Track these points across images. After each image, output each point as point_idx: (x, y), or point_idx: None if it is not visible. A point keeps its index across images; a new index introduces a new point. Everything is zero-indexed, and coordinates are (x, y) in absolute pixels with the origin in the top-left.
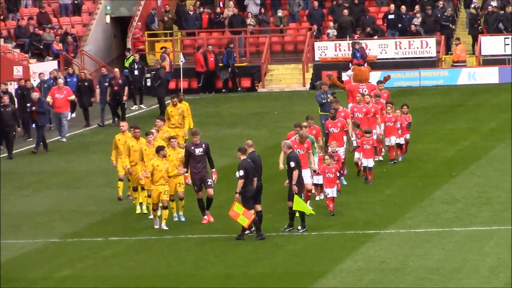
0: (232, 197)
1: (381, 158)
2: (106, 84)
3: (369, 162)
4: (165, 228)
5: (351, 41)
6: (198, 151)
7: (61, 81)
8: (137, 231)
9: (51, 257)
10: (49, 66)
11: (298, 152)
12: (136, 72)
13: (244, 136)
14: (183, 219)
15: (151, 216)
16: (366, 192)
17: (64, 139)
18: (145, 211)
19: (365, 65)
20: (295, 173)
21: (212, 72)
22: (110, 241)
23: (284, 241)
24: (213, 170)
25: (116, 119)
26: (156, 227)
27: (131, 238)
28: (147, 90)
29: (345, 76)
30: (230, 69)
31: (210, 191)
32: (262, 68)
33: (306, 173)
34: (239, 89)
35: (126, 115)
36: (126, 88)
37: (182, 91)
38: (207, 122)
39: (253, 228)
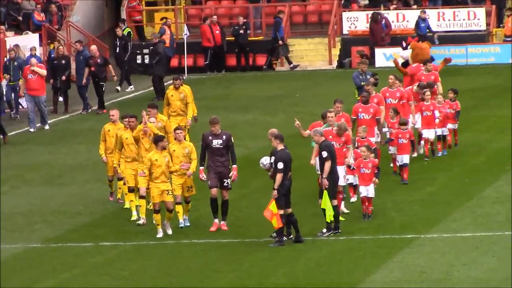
0: (245, 194)
1: (415, 154)
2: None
3: (404, 159)
4: (169, 231)
5: (378, 11)
6: (217, 142)
7: (34, 60)
8: (132, 235)
9: (31, 265)
10: (29, 40)
11: (333, 145)
12: (118, 50)
13: (258, 123)
14: (187, 223)
15: (141, 221)
16: (402, 189)
17: (47, 126)
18: (134, 217)
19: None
20: (327, 165)
21: (221, 47)
22: (100, 247)
23: (306, 247)
24: (234, 166)
25: (94, 106)
26: (160, 235)
27: (126, 243)
28: (144, 68)
29: (401, 54)
30: (280, 42)
31: (225, 193)
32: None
33: (340, 172)
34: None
35: (117, 99)
36: (110, 68)
37: (186, 70)
38: (215, 106)
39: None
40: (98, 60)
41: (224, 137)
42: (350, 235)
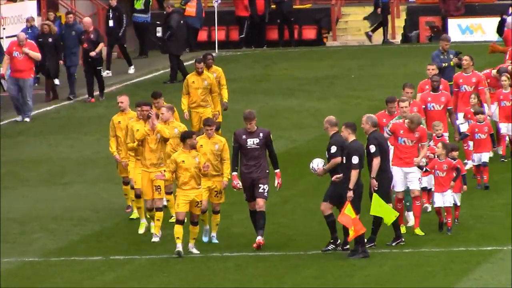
0: (289, 197)
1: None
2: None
3: (483, 157)
4: (195, 251)
5: None
6: (252, 142)
7: (22, 35)
8: (149, 247)
9: (28, 283)
10: (24, 8)
11: (404, 142)
12: (110, 23)
13: (305, 110)
14: (215, 241)
15: (155, 239)
16: (481, 193)
17: (27, 118)
18: (143, 227)
19: None
20: (376, 162)
21: (261, 18)
22: (112, 261)
23: (362, 262)
24: (276, 171)
25: (94, 94)
26: (179, 249)
27: (142, 257)
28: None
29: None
30: (379, 9)
31: (260, 202)
32: (333, 12)
33: (413, 175)
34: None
35: (128, 82)
36: (101, 45)
37: (217, 45)
38: (252, 89)
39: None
40: (92, 36)
41: (261, 135)
42: (417, 247)
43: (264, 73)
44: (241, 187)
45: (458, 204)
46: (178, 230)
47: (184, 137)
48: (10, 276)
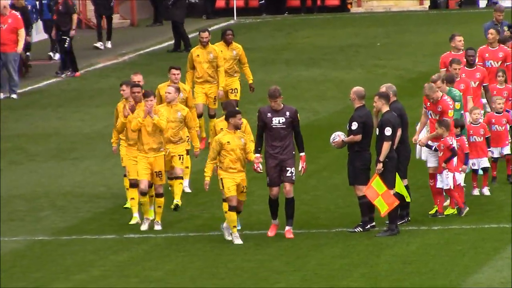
0: (312, 172)
1: None
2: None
3: (505, 150)
4: (238, 241)
5: None
6: (278, 121)
7: (5, 2)
8: (166, 225)
9: (38, 263)
10: None
11: (430, 115)
12: None
13: (328, 80)
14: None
15: (143, 226)
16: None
17: (14, 95)
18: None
19: None
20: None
21: None
22: (125, 240)
23: (389, 240)
24: (302, 154)
25: (67, 70)
26: (237, 241)
27: (157, 235)
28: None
29: None
30: None
31: (289, 187)
32: None
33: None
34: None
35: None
36: (75, 17)
37: (235, 12)
38: (273, 59)
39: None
40: (60, 7)
41: (287, 113)
42: (446, 224)
43: (285, 42)
44: (261, 170)
45: (462, 184)
46: (233, 217)
47: (229, 116)
48: (18, 256)
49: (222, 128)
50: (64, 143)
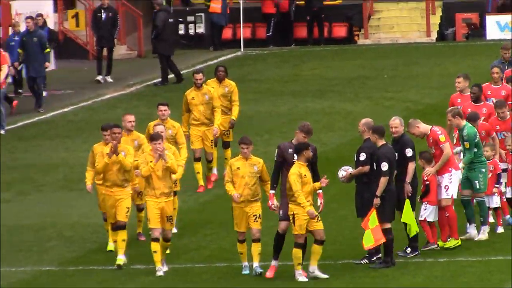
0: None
1: None
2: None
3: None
4: (259, 270)
5: None
6: None
7: None
8: (172, 256)
9: None
10: (40, 5)
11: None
12: (103, 24)
13: (335, 112)
14: (259, 270)
15: (160, 272)
16: None
17: (2, 131)
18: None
19: None
20: (412, 167)
21: (288, 15)
22: (132, 271)
23: (395, 271)
24: (319, 192)
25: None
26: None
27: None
28: (188, 41)
29: None
30: None
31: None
32: (365, 9)
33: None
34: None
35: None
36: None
37: (242, 43)
38: (280, 90)
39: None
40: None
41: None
42: (452, 256)
43: (293, 73)
44: (276, 208)
45: (430, 220)
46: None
47: (300, 149)
48: (25, 286)
49: (238, 167)
50: (71, 174)
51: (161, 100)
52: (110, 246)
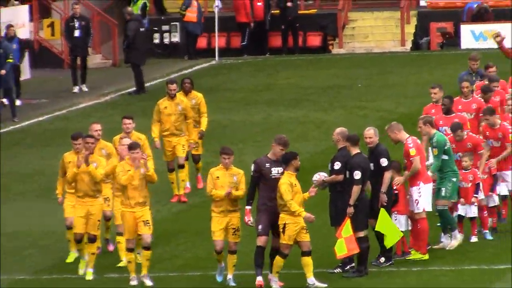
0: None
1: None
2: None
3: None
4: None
5: None
6: (277, 171)
7: None
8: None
9: None
10: (15, 14)
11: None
12: (77, 33)
13: (309, 121)
14: (232, 284)
15: (139, 281)
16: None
17: None
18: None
19: None
20: (387, 176)
21: (262, 24)
22: (106, 279)
23: (368, 280)
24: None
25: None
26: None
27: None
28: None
29: None
30: None
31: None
32: (339, 18)
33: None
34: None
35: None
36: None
37: (217, 52)
38: (255, 99)
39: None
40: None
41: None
42: (426, 265)
43: (267, 82)
44: (253, 224)
45: (401, 230)
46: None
47: (289, 159)
48: None
49: (218, 177)
50: (47, 183)
51: (136, 109)
52: (71, 258)
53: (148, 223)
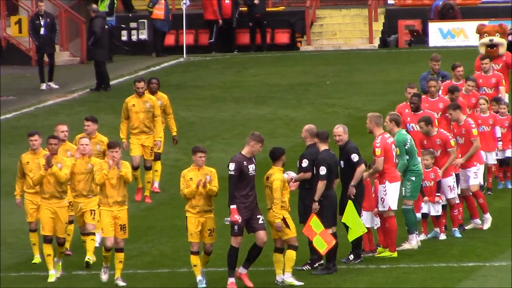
0: (261, 210)
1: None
2: None
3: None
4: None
5: None
6: (252, 168)
7: None
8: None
9: None
10: None
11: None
12: (42, 31)
13: (277, 118)
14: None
15: (122, 283)
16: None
17: None
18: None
19: None
20: (360, 170)
21: (230, 21)
22: (73, 277)
23: (337, 278)
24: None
25: None
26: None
27: (111, 271)
28: (130, 48)
29: None
30: None
31: (262, 234)
32: (307, 16)
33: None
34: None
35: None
36: None
37: (185, 50)
38: (223, 96)
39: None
40: None
41: (254, 160)
42: (395, 263)
43: (235, 80)
44: (238, 220)
45: (376, 226)
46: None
47: (279, 155)
48: None
49: (191, 178)
50: (15, 180)
51: (104, 106)
52: (37, 259)
53: (125, 227)
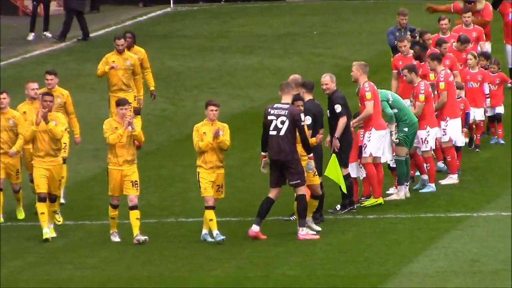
0: (248, 160)
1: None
2: None
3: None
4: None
5: None
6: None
7: None
8: (101, 212)
9: None
10: None
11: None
12: None
13: (265, 68)
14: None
15: (142, 237)
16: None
17: None
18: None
19: None
20: (342, 121)
21: None
22: (61, 227)
23: (325, 228)
24: (310, 156)
25: None
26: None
27: (93, 222)
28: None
29: None
30: None
31: (300, 190)
32: None
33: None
34: None
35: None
36: None
37: (172, 0)
38: (209, 46)
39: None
40: None
41: (288, 110)
42: (382, 213)
43: (222, 30)
44: (265, 170)
45: (362, 176)
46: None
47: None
48: None
49: (205, 132)
50: None
51: (91, 56)
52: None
53: (136, 183)
